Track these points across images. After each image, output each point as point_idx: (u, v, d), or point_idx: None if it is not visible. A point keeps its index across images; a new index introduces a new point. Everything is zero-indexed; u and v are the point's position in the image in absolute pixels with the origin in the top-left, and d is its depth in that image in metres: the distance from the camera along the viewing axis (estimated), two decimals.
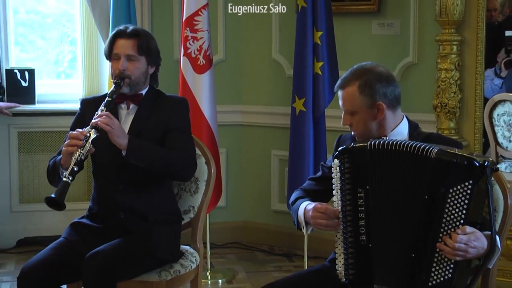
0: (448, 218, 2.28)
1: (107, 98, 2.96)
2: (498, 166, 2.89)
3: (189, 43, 4.27)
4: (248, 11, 4.76)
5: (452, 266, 2.29)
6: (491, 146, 4.32)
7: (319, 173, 2.81)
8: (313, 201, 2.65)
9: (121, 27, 3.09)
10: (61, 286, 2.94)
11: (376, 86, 2.53)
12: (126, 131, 2.98)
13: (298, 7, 4.17)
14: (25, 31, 5.29)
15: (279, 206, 4.93)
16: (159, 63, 3.15)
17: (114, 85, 2.99)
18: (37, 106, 4.94)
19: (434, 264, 2.31)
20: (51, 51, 5.31)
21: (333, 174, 2.51)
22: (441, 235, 2.29)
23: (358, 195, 2.45)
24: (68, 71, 5.36)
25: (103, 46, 4.68)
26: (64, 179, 2.76)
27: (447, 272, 2.30)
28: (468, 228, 2.27)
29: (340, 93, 2.61)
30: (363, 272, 2.46)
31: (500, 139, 4.31)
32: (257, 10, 4.88)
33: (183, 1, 4.30)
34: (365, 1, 4.54)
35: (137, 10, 4.62)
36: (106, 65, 4.77)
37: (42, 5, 5.27)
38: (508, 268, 4.01)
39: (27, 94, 4.92)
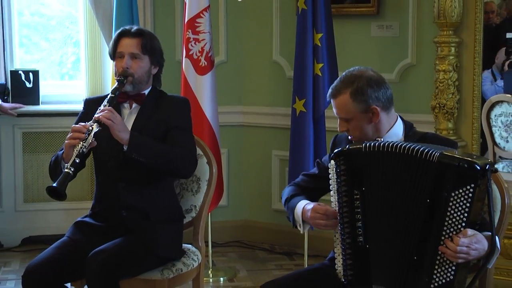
0: (450, 222, 2.27)
1: (110, 94, 2.96)
2: (496, 166, 2.89)
3: (191, 45, 4.27)
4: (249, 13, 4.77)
5: (453, 268, 2.29)
6: (489, 147, 4.32)
7: (315, 170, 2.80)
8: (308, 198, 2.65)
9: (126, 27, 3.10)
10: (65, 284, 2.94)
11: (368, 91, 2.52)
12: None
13: (299, 9, 4.16)
14: (29, 33, 5.29)
15: (279, 206, 4.92)
16: (162, 64, 3.15)
17: (117, 82, 2.99)
18: (41, 107, 4.95)
19: (436, 267, 2.30)
20: (55, 52, 5.32)
21: (330, 175, 2.51)
22: (443, 238, 2.28)
23: (355, 196, 2.44)
24: (72, 72, 5.36)
25: (106, 47, 4.70)
26: (66, 170, 2.75)
27: (449, 274, 2.29)
28: (470, 231, 2.26)
29: (332, 102, 2.60)
30: (361, 273, 2.46)
31: (498, 140, 4.31)
32: (258, 12, 4.89)
33: (185, 3, 4.30)
34: (365, 4, 4.54)
35: (140, 12, 4.62)
36: (109, 67, 4.77)
37: (46, 7, 5.27)
38: (505, 266, 4.01)
39: (31, 95, 4.93)
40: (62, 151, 2.90)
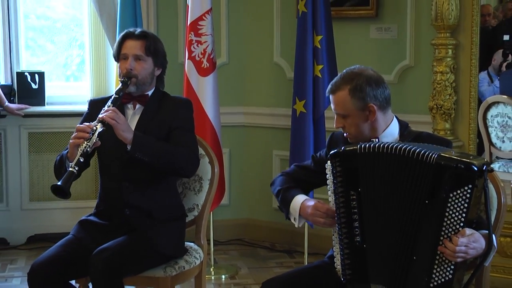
0: (448, 222, 2.26)
1: (114, 95, 2.96)
2: (492, 165, 2.89)
3: (194, 47, 4.27)
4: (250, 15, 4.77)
5: (452, 267, 2.28)
6: (485, 147, 4.31)
7: (309, 163, 2.79)
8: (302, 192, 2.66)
9: (130, 29, 3.10)
10: (69, 282, 2.94)
11: (367, 89, 2.52)
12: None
13: (299, 12, 4.16)
14: (35, 36, 5.30)
15: None
16: (165, 66, 3.15)
17: (121, 84, 2.99)
18: (46, 108, 4.95)
19: (436, 266, 2.29)
20: (60, 54, 5.32)
21: (327, 175, 2.50)
22: (441, 238, 2.27)
23: (351, 197, 2.43)
24: (77, 74, 5.36)
25: (110, 49, 4.71)
26: (70, 169, 2.75)
27: (447, 273, 2.28)
28: (468, 230, 2.26)
29: (331, 97, 2.60)
30: (360, 272, 2.45)
31: (494, 140, 4.31)
32: (259, 14, 4.89)
33: (188, 6, 4.30)
34: (364, 6, 4.53)
35: (143, 15, 4.62)
36: (114, 68, 4.77)
37: (52, 10, 5.28)
38: (502, 264, 4.01)
39: (37, 96, 4.93)
40: (66, 150, 2.90)
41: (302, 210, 2.59)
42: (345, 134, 2.62)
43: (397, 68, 4.48)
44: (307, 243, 4.30)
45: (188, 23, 4.29)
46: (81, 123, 3.07)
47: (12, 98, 4.89)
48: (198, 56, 4.27)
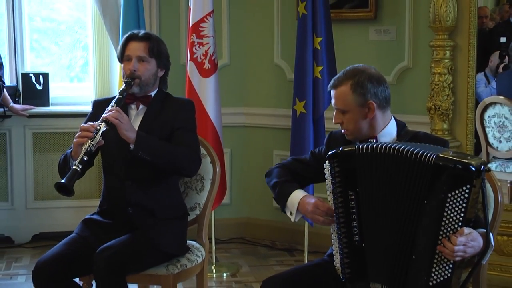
0: (447, 221, 2.26)
1: (117, 95, 2.96)
2: (489, 165, 2.89)
3: (195, 48, 4.27)
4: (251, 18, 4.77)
5: (451, 266, 2.27)
6: (482, 147, 4.31)
7: (307, 158, 2.77)
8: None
9: (134, 31, 3.10)
10: (73, 279, 2.94)
11: (368, 86, 2.52)
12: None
13: (299, 14, 4.16)
14: (40, 38, 5.30)
15: None
16: (168, 67, 3.14)
17: (124, 84, 2.98)
18: (51, 108, 4.95)
19: (434, 265, 2.28)
20: (65, 56, 5.32)
21: (325, 175, 2.49)
22: (440, 237, 2.26)
23: (349, 197, 2.42)
24: (81, 75, 5.36)
25: (113, 51, 4.71)
26: (74, 167, 2.75)
27: (446, 272, 2.28)
28: (466, 229, 2.25)
29: (333, 92, 2.60)
30: (359, 271, 2.44)
31: (491, 140, 4.31)
32: (260, 16, 4.89)
33: (190, 9, 4.30)
34: (363, 9, 4.53)
35: (146, 17, 4.62)
36: (117, 69, 4.77)
37: (56, 12, 5.28)
38: (499, 262, 4.01)
39: (42, 97, 4.93)
40: (71, 149, 2.90)
41: (302, 206, 2.58)
42: (342, 131, 2.61)
43: (396, 69, 4.47)
44: (307, 242, 4.30)
45: (190, 25, 4.28)
46: (85, 123, 3.07)
47: (17, 99, 4.90)
48: (200, 58, 4.27)
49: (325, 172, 2.49)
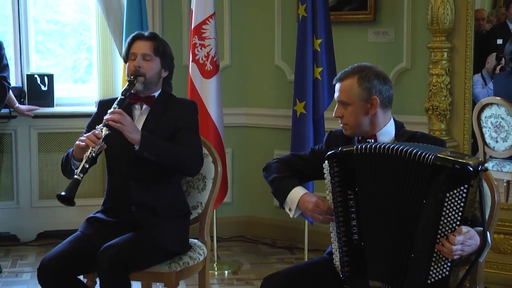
0: (445, 221, 2.25)
1: (120, 96, 2.95)
2: (486, 165, 2.88)
3: (197, 50, 4.27)
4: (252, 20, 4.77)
5: (449, 264, 2.27)
6: (479, 147, 4.31)
7: (307, 154, 2.76)
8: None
9: (140, 31, 3.11)
10: (77, 277, 2.94)
11: (374, 82, 2.53)
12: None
13: (299, 17, 4.16)
14: (45, 39, 5.30)
15: None
16: (172, 69, 3.14)
17: (128, 83, 2.97)
18: (55, 109, 4.95)
19: (433, 263, 2.28)
20: (69, 57, 5.32)
21: (324, 175, 2.48)
22: (439, 236, 2.26)
23: (348, 197, 2.42)
24: (85, 77, 5.36)
25: (117, 52, 4.71)
26: (76, 176, 2.74)
27: (444, 270, 2.27)
28: (464, 228, 2.25)
29: (338, 85, 2.59)
30: (358, 269, 2.44)
31: (488, 140, 4.30)
32: (260, 18, 4.89)
33: (192, 11, 4.30)
34: (362, 11, 4.53)
35: (149, 19, 4.61)
36: (120, 70, 4.77)
37: (61, 15, 5.28)
38: (495, 260, 4.00)
39: (46, 97, 4.93)
40: (72, 148, 2.89)
41: (302, 203, 2.57)
42: (341, 125, 2.60)
43: (394, 70, 4.47)
44: (307, 240, 4.30)
45: (192, 27, 4.28)
46: (90, 123, 3.08)
47: (22, 100, 4.90)
48: (202, 59, 4.27)
49: (324, 172, 2.48)
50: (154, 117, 3.04)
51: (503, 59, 4.32)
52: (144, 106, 3.08)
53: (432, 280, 2.29)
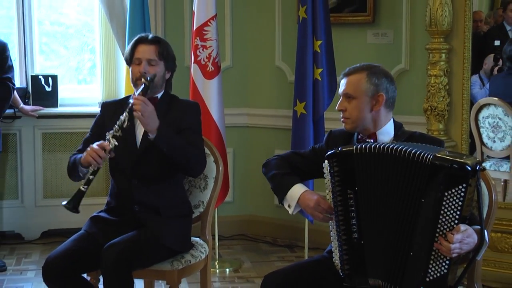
0: (443, 219, 2.25)
1: (141, 87, 2.89)
2: (483, 164, 2.88)
3: (199, 51, 4.27)
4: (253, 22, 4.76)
5: (447, 262, 2.27)
6: (477, 146, 4.31)
7: (307, 153, 2.74)
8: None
9: (143, 34, 3.09)
10: (81, 275, 2.94)
11: (383, 79, 2.56)
12: (142, 132, 2.98)
13: (299, 18, 4.16)
14: (49, 41, 5.30)
15: None
16: (174, 69, 3.14)
17: (143, 86, 2.91)
18: (59, 109, 4.95)
19: (431, 262, 2.28)
20: (73, 59, 5.32)
21: (324, 174, 2.48)
22: (437, 235, 2.26)
23: (348, 196, 2.41)
24: (88, 77, 5.36)
25: (120, 54, 4.71)
26: (81, 188, 2.81)
27: (443, 268, 2.27)
28: (462, 226, 2.25)
29: (345, 79, 2.58)
30: (358, 267, 2.44)
31: (485, 140, 4.30)
32: (261, 20, 4.89)
33: (194, 13, 4.30)
34: (361, 13, 4.53)
35: (151, 21, 4.61)
36: (123, 71, 4.77)
37: (65, 17, 5.28)
38: (493, 258, 4.00)
39: (51, 98, 4.93)
40: (80, 155, 2.90)
41: (303, 201, 2.55)
42: (341, 120, 2.59)
43: (393, 71, 4.46)
44: (307, 238, 4.30)
45: (194, 29, 4.28)
46: (94, 126, 3.09)
47: (26, 100, 4.90)
48: (204, 60, 4.27)
49: (324, 171, 2.48)
50: (158, 118, 3.03)
51: (500, 60, 4.33)
52: None
53: (431, 278, 2.28)
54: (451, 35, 4.07)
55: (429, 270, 2.29)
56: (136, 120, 2.96)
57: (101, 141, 2.85)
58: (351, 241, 2.43)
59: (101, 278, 2.91)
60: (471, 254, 2.35)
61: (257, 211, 5.09)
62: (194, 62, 4.28)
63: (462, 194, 2.22)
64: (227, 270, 4.40)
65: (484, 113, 4.27)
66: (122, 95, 4.50)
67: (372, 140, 2.52)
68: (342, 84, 2.59)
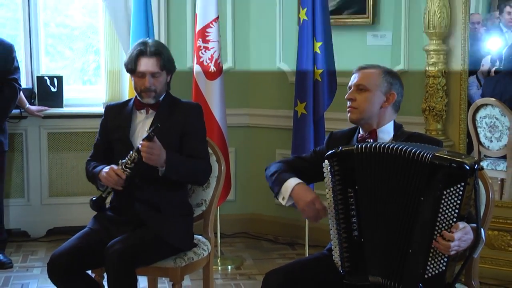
0: (442, 218, 2.25)
1: (146, 136, 2.86)
2: (481, 164, 2.88)
3: (202, 53, 4.26)
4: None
5: (446, 260, 2.26)
6: (474, 146, 4.30)
7: (309, 156, 2.73)
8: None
9: (141, 46, 3.03)
10: (86, 271, 2.94)
11: (397, 81, 2.59)
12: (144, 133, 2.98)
13: (300, 20, 4.15)
14: (54, 42, 5.30)
15: None
16: (174, 71, 3.14)
17: (148, 136, 2.88)
18: (64, 110, 4.95)
19: (430, 259, 2.27)
20: (78, 60, 5.32)
21: (324, 174, 2.47)
22: (436, 233, 2.25)
23: (349, 194, 2.41)
24: (93, 78, 5.36)
25: (124, 55, 4.70)
26: (103, 195, 2.96)
27: (441, 265, 2.27)
28: (461, 224, 2.24)
29: (359, 73, 2.59)
30: (358, 265, 2.43)
31: (483, 140, 4.30)
32: (262, 22, 4.89)
33: (196, 15, 4.30)
34: (361, 15, 4.52)
35: (155, 23, 4.61)
36: (127, 73, 4.76)
37: (70, 19, 5.28)
38: (490, 255, 4.00)
39: (56, 98, 4.93)
40: (99, 167, 2.96)
41: (297, 193, 2.51)
42: (348, 109, 2.58)
43: None
44: (308, 236, 4.29)
45: (197, 31, 4.28)
46: (100, 132, 3.11)
47: (32, 101, 4.90)
48: (206, 61, 4.27)
49: (323, 171, 2.47)
50: (160, 121, 3.01)
51: (497, 61, 4.32)
52: (150, 111, 3.07)
53: (429, 274, 2.28)
54: (449, 37, 4.07)
55: (428, 267, 2.28)
56: (136, 120, 2.99)
57: (117, 167, 2.90)
58: (351, 239, 2.42)
59: (105, 275, 2.92)
60: (467, 251, 2.34)
61: (258, 209, 5.09)
62: (196, 63, 4.28)
63: (461, 192, 2.22)
64: (229, 267, 4.39)
65: (481, 113, 4.27)
66: (126, 95, 4.49)
67: (372, 140, 2.52)
68: (355, 76, 2.59)
